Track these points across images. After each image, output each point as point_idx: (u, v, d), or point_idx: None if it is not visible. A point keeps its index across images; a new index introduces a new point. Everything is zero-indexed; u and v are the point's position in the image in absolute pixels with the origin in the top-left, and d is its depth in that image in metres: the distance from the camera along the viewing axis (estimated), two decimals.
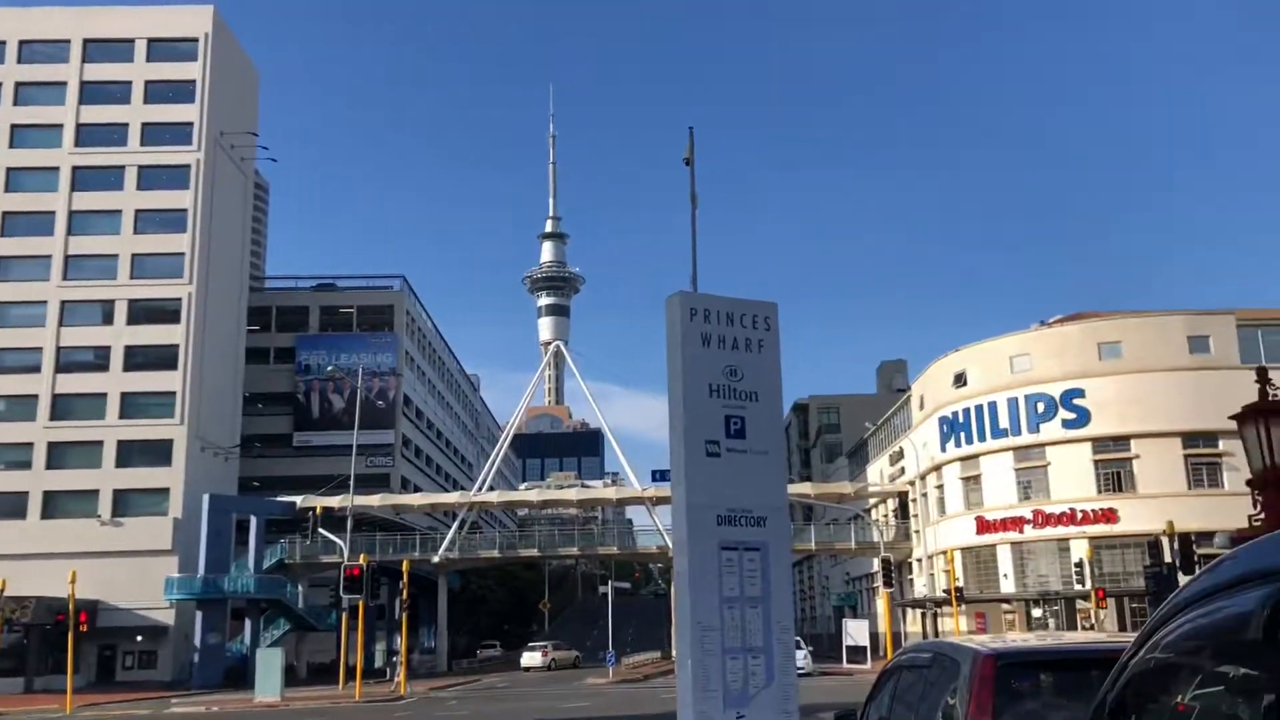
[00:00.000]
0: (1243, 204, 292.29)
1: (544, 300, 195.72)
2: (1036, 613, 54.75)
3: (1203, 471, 51.54)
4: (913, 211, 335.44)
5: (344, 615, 48.71)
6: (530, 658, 68.86)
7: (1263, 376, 10.67)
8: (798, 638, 49.64)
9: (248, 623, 66.76)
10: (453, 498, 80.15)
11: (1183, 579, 28.77)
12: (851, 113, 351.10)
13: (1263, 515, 10.07)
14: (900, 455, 70.59)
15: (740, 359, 5.80)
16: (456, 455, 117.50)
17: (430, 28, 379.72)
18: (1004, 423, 56.69)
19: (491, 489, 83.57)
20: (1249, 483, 10.53)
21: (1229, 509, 38.11)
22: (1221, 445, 48.79)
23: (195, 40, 76.96)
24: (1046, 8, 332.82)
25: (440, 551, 72.22)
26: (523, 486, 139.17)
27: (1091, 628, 46.10)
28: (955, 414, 59.81)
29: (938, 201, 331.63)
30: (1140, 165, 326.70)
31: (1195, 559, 31.14)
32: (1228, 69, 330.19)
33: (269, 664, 44.85)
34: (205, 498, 65.85)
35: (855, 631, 58.81)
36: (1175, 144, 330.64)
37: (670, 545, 6.47)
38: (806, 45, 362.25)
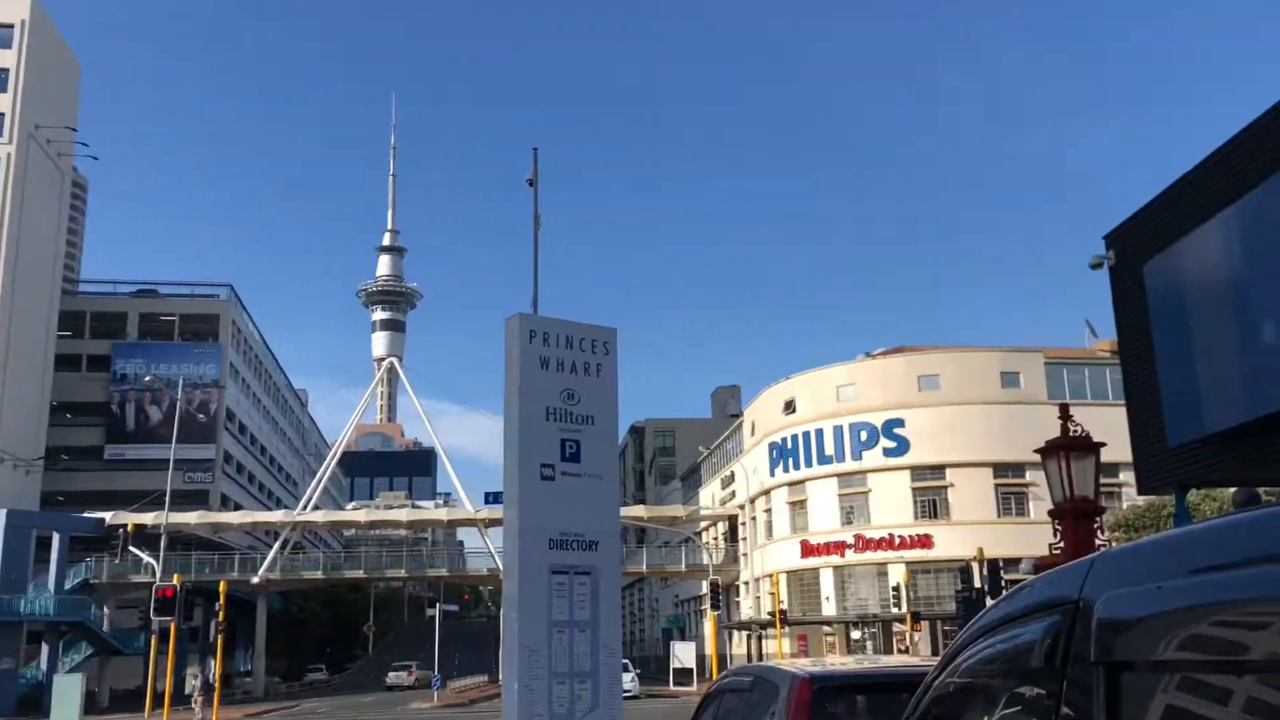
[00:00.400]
0: (1060, 243, 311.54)
1: (379, 315, 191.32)
2: (856, 635, 56.61)
3: (1011, 500, 54.44)
4: (751, 239, 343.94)
5: (154, 638, 46.32)
6: (396, 677, 73.13)
7: (1064, 413, 11.39)
8: (626, 660, 49.91)
9: (45, 647, 62.68)
10: (276, 516, 77.43)
11: (990, 603, 30.26)
12: (696, 139, 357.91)
13: (1062, 544, 10.73)
14: (731, 479, 72.03)
15: (578, 383, 5.86)
16: (281, 473, 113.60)
17: (269, 31, 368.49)
18: (830, 449, 58.57)
19: (317, 508, 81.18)
20: (1050, 513, 11.20)
21: (1034, 536, 40.27)
22: (1028, 476, 51.57)
23: (10, 26, 72.55)
24: (901, 35, 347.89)
25: (260, 572, 69.65)
26: (350, 506, 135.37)
27: (906, 650, 47.95)
28: (784, 440, 61.48)
29: (776, 229, 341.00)
30: (971, 199, 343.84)
31: (1002, 584, 32.78)
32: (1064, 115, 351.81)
33: (66, 691, 42.17)
34: (2, 513, 61.64)
35: (682, 654, 59.52)
36: (999, 184, 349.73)
37: (501, 568, 6.44)
38: (659, 67, 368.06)
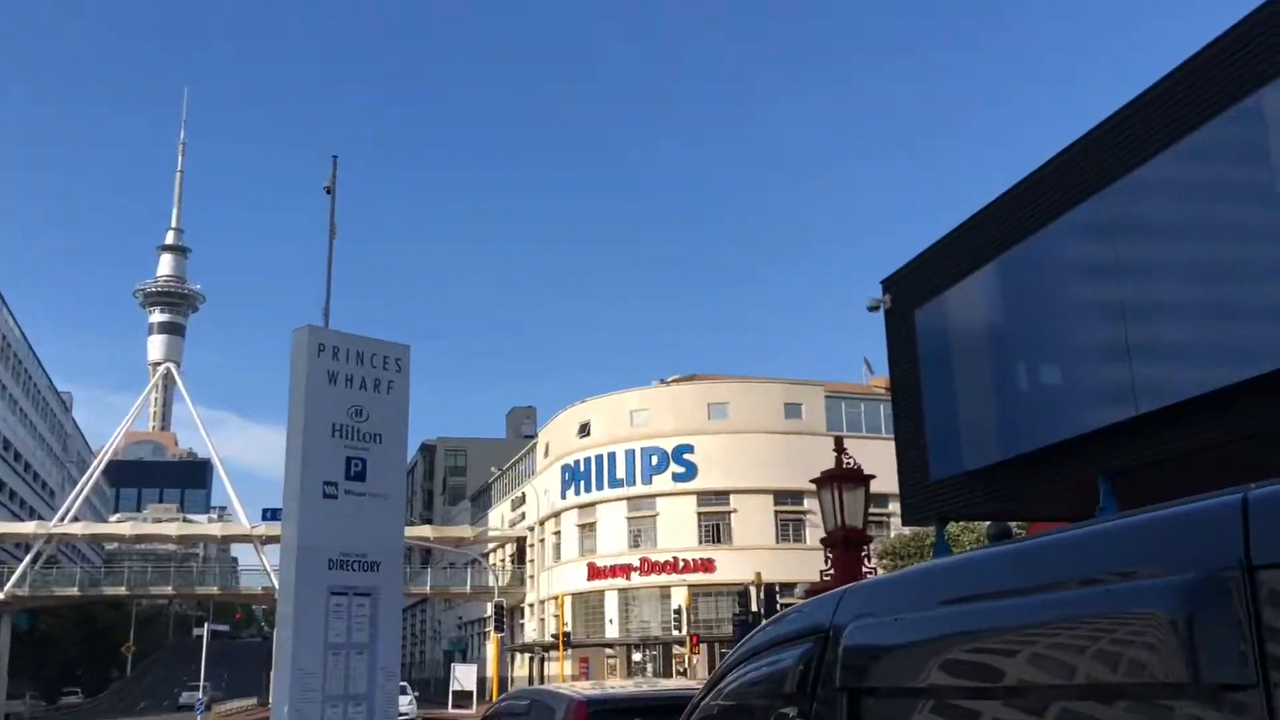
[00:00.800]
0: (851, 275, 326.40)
1: (157, 317, 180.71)
2: (637, 657, 57.29)
3: (790, 527, 56.55)
4: (552, 257, 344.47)
5: None
6: (189, 696, 72.19)
7: (839, 445, 11.97)
8: (404, 682, 48.78)
9: None
10: (27, 528, 71.77)
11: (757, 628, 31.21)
12: (504, 160, 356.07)
13: (833, 570, 11.26)
14: (523, 501, 71.77)
15: (368, 399, 5.76)
16: (38, 481, 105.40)
17: (58, 20, 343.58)
18: (621, 473, 59.32)
19: (76, 519, 75.75)
20: (823, 540, 11.73)
21: (810, 562, 41.85)
22: (806, 504, 53.61)
23: None
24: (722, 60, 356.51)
25: (6, 587, 64.42)
26: (114, 518, 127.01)
27: (684, 673, 48.87)
28: (577, 462, 61.83)
29: (581, 242, 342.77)
30: (768, 235, 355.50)
31: (778, 608, 33.95)
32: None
33: None
34: None
35: (463, 676, 58.71)
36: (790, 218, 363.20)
37: (277, 587, 6.24)
38: (466, 70, 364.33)
